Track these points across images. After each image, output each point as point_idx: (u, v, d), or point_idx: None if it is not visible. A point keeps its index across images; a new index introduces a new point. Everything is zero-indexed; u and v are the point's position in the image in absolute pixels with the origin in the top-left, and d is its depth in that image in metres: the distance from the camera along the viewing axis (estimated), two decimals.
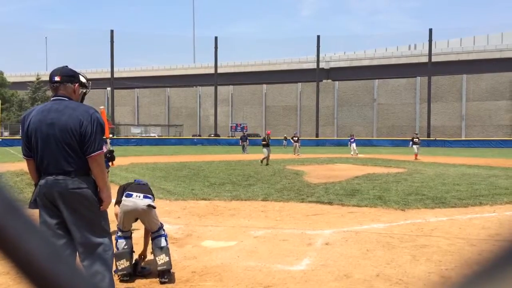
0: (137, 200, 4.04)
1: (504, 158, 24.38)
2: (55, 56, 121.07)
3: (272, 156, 19.12)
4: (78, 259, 2.97)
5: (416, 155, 23.28)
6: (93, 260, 2.99)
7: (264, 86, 64.86)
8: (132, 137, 50.93)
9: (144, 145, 44.00)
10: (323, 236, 5.79)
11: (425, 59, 52.89)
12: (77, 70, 3.26)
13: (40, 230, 0.40)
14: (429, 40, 50.52)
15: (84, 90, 3.30)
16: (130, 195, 4.06)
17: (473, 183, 11.48)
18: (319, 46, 53.25)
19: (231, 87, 65.55)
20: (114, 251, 3.78)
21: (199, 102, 67.30)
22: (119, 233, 4.16)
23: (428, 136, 48.83)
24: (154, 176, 12.88)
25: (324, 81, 62.07)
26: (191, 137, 54.31)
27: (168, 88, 69.42)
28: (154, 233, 4.16)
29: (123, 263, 4.04)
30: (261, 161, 18.23)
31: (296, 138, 29.84)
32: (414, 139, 24.44)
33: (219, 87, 55.90)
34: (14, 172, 13.28)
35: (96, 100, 56.08)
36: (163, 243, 4.10)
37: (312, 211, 7.58)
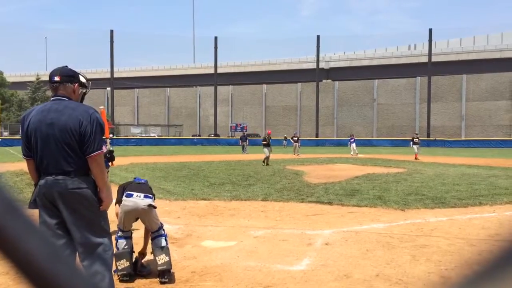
0: (138, 200, 4.04)
1: (504, 158, 24.38)
2: (55, 56, 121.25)
3: (272, 156, 19.12)
4: (78, 259, 2.97)
5: (416, 155, 23.31)
6: (92, 260, 2.98)
7: (264, 86, 64.86)
8: (132, 137, 50.93)
9: (144, 145, 44.00)
10: (323, 236, 5.79)
11: (425, 59, 52.89)
12: (77, 70, 3.25)
13: (40, 230, 0.40)
14: (429, 40, 50.53)
15: (84, 90, 3.30)
16: (131, 195, 4.06)
17: (473, 183, 11.48)
18: (319, 46, 53.29)
19: (231, 87, 65.55)
20: (114, 251, 3.78)
21: (199, 102, 67.30)
22: (120, 233, 4.16)
23: (428, 136, 48.84)
24: (154, 176, 12.87)
25: (324, 81, 62.06)
26: (191, 137, 54.31)
27: (168, 88, 69.41)
28: (154, 233, 4.16)
29: (123, 263, 4.04)
30: (263, 161, 18.21)
31: (296, 138, 29.85)
32: (414, 139, 24.47)
33: (219, 87, 55.90)
34: (14, 172, 13.28)
35: (96, 100, 56.06)
36: (163, 243, 4.10)
37: (312, 211, 7.58)
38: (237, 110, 65.75)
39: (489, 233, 5.96)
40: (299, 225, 6.49)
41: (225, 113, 63.60)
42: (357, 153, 27.16)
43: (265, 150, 18.72)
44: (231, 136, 54.23)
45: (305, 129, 59.94)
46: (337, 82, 62.53)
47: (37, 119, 2.99)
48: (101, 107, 5.20)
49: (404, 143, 40.63)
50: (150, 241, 4.24)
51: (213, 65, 54.59)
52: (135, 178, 4.65)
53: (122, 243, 4.10)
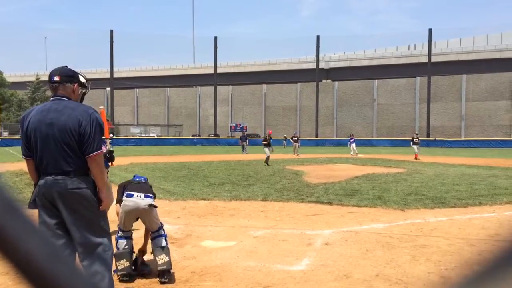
0: (139, 200, 4.04)
1: (503, 158, 24.39)
2: (55, 56, 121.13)
3: (271, 156, 19.13)
4: (77, 259, 2.97)
5: (416, 155, 23.32)
6: (92, 260, 2.98)
7: (264, 86, 64.86)
8: (132, 137, 50.92)
9: (144, 145, 43.99)
10: (322, 236, 5.79)
11: (424, 59, 52.91)
12: (77, 70, 3.25)
13: (39, 230, 0.40)
14: (428, 40, 50.55)
15: (84, 90, 3.30)
16: (131, 195, 4.06)
17: (473, 183, 11.48)
18: (319, 46, 53.30)
19: (230, 87, 65.55)
20: (115, 251, 3.78)
21: (199, 102, 67.29)
22: (120, 233, 4.16)
23: (428, 136, 48.85)
24: (153, 176, 12.87)
25: (323, 81, 62.06)
26: (190, 137, 54.31)
27: (168, 88, 69.41)
28: (154, 233, 4.16)
29: (123, 263, 4.04)
30: (265, 162, 18.19)
31: (296, 138, 29.87)
32: (414, 139, 24.50)
33: (218, 87, 55.90)
34: (13, 172, 13.28)
35: (95, 100, 56.04)
36: (163, 243, 4.11)
37: (312, 211, 7.58)
38: (237, 110, 65.74)
39: (488, 233, 5.96)
40: (299, 225, 6.49)
41: (225, 113, 63.60)
42: (357, 153, 27.16)
43: (266, 150, 18.73)
44: (231, 136, 54.24)
45: (305, 129, 59.94)
46: (337, 82, 62.53)
47: (37, 119, 2.99)
48: (101, 107, 5.20)
49: (404, 143, 40.62)
50: (150, 240, 4.25)
51: (213, 65, 54.59)
52: (134, 176, 4.65)
53: (123, 243, 4.10)
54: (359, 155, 26.26)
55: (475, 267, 0.37)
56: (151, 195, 4.16)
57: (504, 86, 53.26)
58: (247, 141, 32.23)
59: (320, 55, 55.55)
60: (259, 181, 12.04)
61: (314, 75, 54.48)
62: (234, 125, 57.02)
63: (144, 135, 57.69)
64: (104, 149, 4.01)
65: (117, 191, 4.33)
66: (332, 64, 65.88)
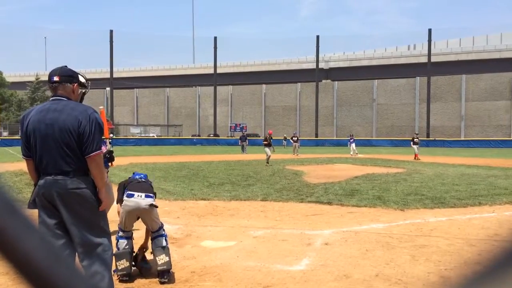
0: (139, 200, 4.04)
1: (503, 158, 24.39)
2: (55, 56, 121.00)
3: (271, 156, 19.13)
4: (77, 259, 2.97)
5: (416, 155, 23.34)
6: (92, 260, 2.98)
7: (264, 86, 64.86)
8: (132, 137, 50.90)
9: (144, 145, 43.97)
10: (322, 236, 5.79)
11: (424, 59, 52.93)
12: (77, 70, 3.25)
13: (39, 230, 0.40)
14: (428, 40, 50.57)
15: (83, 90, 3.30)
16: (132, 195, 4.06)
17: (472, 183, 11.49)
18: (319, 46, 53.33)
19: (230, 87, 65.55)
20: (115, 251, 3.78)
21: (199, 102, 67.29)
22: (120, 233, 4.16)
23: (428, 136, 48.88)
24: (153, 176, 12.86)
25: (323, 81, 62.05)
26: (190, 137, 54.30)
27: (168, 88, 69.40)
28: (155, 233, 4.16)
29: (123, 263, 4.04)
30: (266, 162, 18.16)
31: (296, 138, 29.88)
32: (414, 139, 24.52)
33: (218, 87, 55.90)
34: (13, 172, 13.27)
35: (95, 100, 56.02)
36: (164, 243, 4.11)
37: (312, 211, 7.58)
38: (236, 110, 65.74)
39: (488, 233, 5.97)
40: (299, 225, 6.49)
41: (224, 113, 63.60)
42: (356, 153, 27.17)
43: (267, 150, 18.74)
44: (231, 136, 54.26)
45: (304, 129, 59.96)
46: (336, 82, 62.53)
47: (36, 119, 2.99)
48: (101, 107, 5.20)
49: (403, 143, 40.65)
50: (150, 238, 4.25)
51: (213, 65, 54.60)
52: (134, 173, 4.64)
53: (123, 243, 4.10)
54: (359, 155, 26.27)
55: (474, 267, 0.37)
56: (151, 194, 4.17)
57: (503, 86, 53.29)
58: (246, 141, 32.24)
59: (320, 55, 55.56)
60: (259, 181, 12.04)
61: (314, 75, 54.49)
62: (234, 125, 57.05)
63: (143, 135, 57.68)
64: (104, 149, 4.01)
65: (118, 190, 4.33)
66: (332, 64, 65.88)
